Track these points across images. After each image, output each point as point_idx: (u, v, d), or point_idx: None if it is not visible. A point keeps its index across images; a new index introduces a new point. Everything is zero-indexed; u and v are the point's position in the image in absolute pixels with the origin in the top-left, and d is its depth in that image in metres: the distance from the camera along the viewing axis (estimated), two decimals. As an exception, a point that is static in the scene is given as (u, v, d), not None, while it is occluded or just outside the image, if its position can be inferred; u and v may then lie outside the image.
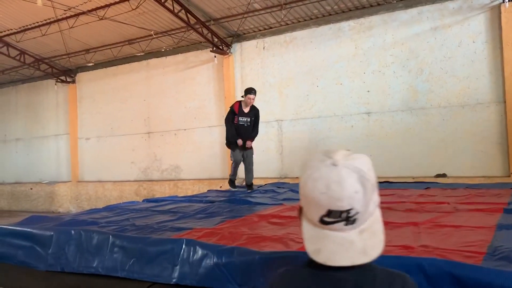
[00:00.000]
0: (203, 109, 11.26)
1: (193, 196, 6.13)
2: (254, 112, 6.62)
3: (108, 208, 5.09)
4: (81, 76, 13.70)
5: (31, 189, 14.62)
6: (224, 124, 6.72)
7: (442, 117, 8.32)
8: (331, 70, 9.49)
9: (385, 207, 4.13)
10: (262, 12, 9.60)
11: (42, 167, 14.54)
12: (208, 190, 6.97)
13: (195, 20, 9.79)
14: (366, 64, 9.12)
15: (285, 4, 9.15)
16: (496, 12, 7.84)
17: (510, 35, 7.69)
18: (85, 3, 9.65)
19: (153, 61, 12.14)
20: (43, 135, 14.58)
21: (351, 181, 1.06)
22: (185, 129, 11.61)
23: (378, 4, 8.93)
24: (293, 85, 9.94)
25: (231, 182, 6.80)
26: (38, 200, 14.35)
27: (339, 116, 9.40)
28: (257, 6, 9.45)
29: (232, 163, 6.66)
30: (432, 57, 8.43)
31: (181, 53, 11.61)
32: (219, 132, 10.97)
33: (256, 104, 10.55)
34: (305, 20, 9.79)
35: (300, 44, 9.89)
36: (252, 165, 6.68)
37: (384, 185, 6.45)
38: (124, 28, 10.74)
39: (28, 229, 2.61)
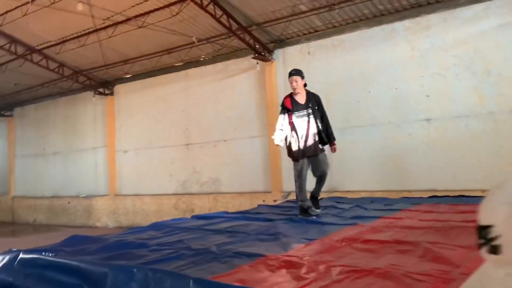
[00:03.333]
0: (243, 119, 10.72)
1: (244, 212, 5.53)
2: (315, 99, 5.03)
3: (155, 227, 4.57)
4: (119, 88, 13.49)
5: (69, 203, 14.45)
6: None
7: (515, 123, 7.45)
8: (384, 74, 8.77)
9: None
10: (308, 14, 9.02)
11: (80, 181, 14.35)
12: (258, 205, 6.36)
13: (237, 26, 9.33)
14: (424, 66, 8.35)
15: (334, 4, 8.54)
16: None
17: None
18: (124, 11, 9.36)
19: (192, 71, 11.74)
20: (81, 148, 14.43)
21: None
22: (225, 140, 11.10)
23: (437, 2, 8.18)
24: (341, 91, 9.26)
25: (303, 211, 4.78)
26: (76, 214, 14.13)
27: (395, 124, 8.63)
28: (303, 8, 8.88)
29: (296, 181, 4.87)
30: (501, 57, 7.59)
31: (220, 61, 11.16)
32: (261, 143, 10.40)
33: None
34: (354, 21, 9.13)
35: (348, 47, 9.23)
36: (326, 174, 4.94)
37: (461, 199, 5.68)
38: (163, 37, 10.39)
39: (75, 262, 2.06)
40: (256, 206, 6.36)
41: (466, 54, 7.92)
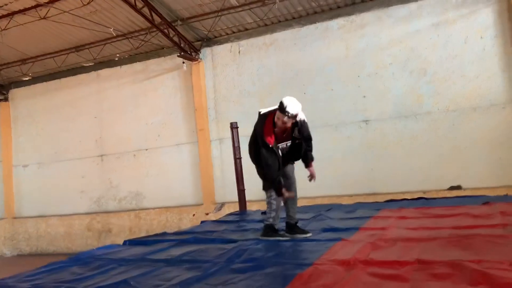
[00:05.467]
0: (169, 124, 9.67)
1: (190, 232, 4.59)
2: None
3: (79, 260, 3.46)
4: (15, 93, 11.58)
5: (-48, 230, 12.01)
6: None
7: (452, 122, 7.44)
8: (320, 74, 8.38)
9: (495, 235, 2.92)
10: (239, 9, 8.34)
11: (-33, 203, 12.03)
12: (202, 222, 5.43)
13: (160, 20, 8.32)
14: (360, 66, 8.11)
15: (267, -1, 7.97)
16: (504, 4, 7.15)
17: (521, 28, 7.03)
18: (21, -2, 7.86)
19: (105, 71, 10.40)
20: (-33, 164, 12.14)
21: None
22: (146, 149, 9.93)
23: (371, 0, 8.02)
24: (276, 93, 8.65)
25: (271, 229, 3.75)
26: (-38, 244, 11.78)
27: (332, 126, 8.26)
28: (233, 2, 8.17)
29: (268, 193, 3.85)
30: (435, 55, 7.58)
31: (139, 61, 10.01)
32: (189, 151, 9.44)
33: (234, 115, 8.94)
34: (287, 19, 8.65)
35: (282, 46, 8.71)
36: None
37: (421, 202, 5.33)
38: (70, 31, 9.00)
39: None
40: (199, 223, 5.44)
41: (402, 53, 7.81)
